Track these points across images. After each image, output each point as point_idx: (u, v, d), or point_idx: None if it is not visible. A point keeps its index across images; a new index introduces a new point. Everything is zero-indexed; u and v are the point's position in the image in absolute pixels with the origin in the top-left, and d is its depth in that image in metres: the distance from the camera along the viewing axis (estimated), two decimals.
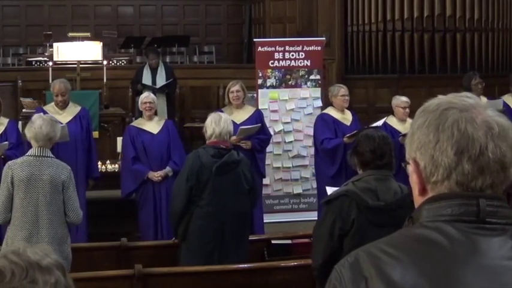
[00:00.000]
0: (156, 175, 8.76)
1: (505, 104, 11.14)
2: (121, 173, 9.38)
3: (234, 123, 8.99)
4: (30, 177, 6.25)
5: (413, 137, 1.95)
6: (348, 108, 9.95)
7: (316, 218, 9.01)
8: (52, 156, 6.40)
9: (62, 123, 8.72)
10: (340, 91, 9.75)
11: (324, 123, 9.63)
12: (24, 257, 1.71)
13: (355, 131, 9.16)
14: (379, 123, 9.32)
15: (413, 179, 1.97)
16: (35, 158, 6.32)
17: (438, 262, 1.81)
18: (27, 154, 6.44)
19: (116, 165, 10.07)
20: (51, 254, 1.76)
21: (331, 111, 9.79)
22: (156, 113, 9.50)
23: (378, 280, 1.81)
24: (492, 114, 1.90)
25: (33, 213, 6.24)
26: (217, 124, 6.92)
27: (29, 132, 6.40)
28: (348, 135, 9.28)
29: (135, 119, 13.30)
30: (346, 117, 9.77)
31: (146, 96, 9.21)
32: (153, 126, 9.09)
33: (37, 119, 6.51)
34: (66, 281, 1.74)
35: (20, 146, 8.32)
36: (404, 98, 9.78)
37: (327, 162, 9.55)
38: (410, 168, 1.98)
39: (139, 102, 9.26)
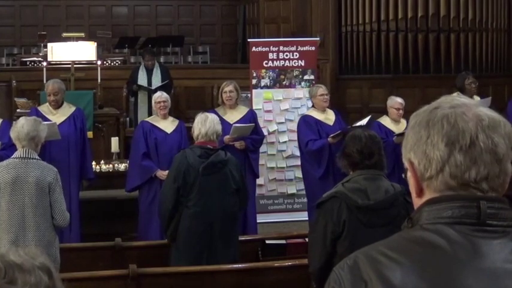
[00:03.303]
0: (164, 174, 8.64)
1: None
2: (128, 167, 9.32)
3: (227, 123, 9.02)
4: (16, 179, 6.19)
5: (407, 139, 1.94)
6: (330, 108, 9.85)
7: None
8: (38, 158, 6.33)
9: (53, 122, 8.72)
10: (319, 91, 9.61)
11: (306, 125, 9.48)
12: (6, 258, 1.71)
13: (339, 131, 9.13)
14: (363, 122, 9.25)
15: (411, 182, 1.96)
16: (20, 160, 6.25)
17: (439, 265, 1.79)
18: (12, 156, 6.36)
19: (110, 165, 10.05)
20: (38, 257, 1.75)
21: (312, 112, 9.66)
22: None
23: (378, 284, 1.79)
24: (483, 109, 1.90)
25: (19, 216, 6.18)
26: (203, 124, 6.90)
27: (13, 133, 6.37)
28: (332, 135, 9.22)
29: (129, 119, 13.35)
30: (329, 117, 9.64)
31: (159, 96, 9.14)
32: (167, 126, 9.05)
33: (21, 119, 6.48)
34: (52, 283, 1.73)
35: (13, 146, 8.28)
36: (399, 100, 9.75)
37: (314, 164, 9.42)
38: (408, 172, 1.97)
39: (153, 102, 9.20)
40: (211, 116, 7.10)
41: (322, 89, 9.66)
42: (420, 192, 1.94)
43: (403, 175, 2.03)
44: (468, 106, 1.90)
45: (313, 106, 9.76)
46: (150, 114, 12.35)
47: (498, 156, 1.86)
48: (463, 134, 1.85)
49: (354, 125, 9.31)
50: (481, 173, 1.85)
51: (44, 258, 1.76)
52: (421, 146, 1.89)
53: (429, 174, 1.89)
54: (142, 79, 13.00)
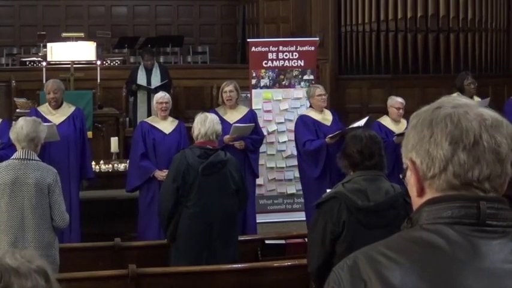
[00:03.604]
0: (162, 174, 8.58)
1: None
2: (128, 168, 9.33)
3: (227, 123, 9.01)
4: (15, 180, 6.17)
5: (408, 138, 1.94)
6: (328, 108, 9.84)
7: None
8: (37, 159, 6.31)
9: (52, 123, 8.71)
10: (316, 91, 9.59)
11: (304, 125, 9.48)
12: (2, 262, 1.69)
13: (338, 132, 9.13)
14: (361, 122, 9.24)
15: (411, 181, 1.95)
16: (19, 161, 6.23)
17: (438, 266, 1.79)
18: (12, 157, 6.35)
19: (110, 165, 10.06)
20: (35, 260, 1.74)
21: (310, 112, 9.66)
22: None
23: (377, 284, 1.79)
24: (485, 109, 1.90)
25: (18, 217, 6.16)
26: (202, 124, 6.90)
27: (12, 134, 6.36)
28: (330, 135, 9.21)
29: (129, 119, 13.35)
30: (326, 118, 9.63)
31: (162, 97, 9.12)
32: (166, 126, 9.04)
33: (20, 120, 6.46)
34: (49, 287, 1.72)
35: (12, 146, 8.28)
36: (399, 99, 9.75)
37: (311, 164, 9.40)
38: (408, 171, 1.96)
39: (154, 102, 9.19)
40: (211, 116, 7.09)
41: (319, 89, 9.64)
42: (421, 192, 1.93)
43: (400, 175, 2.02)
44: (470, 106, 1.90)
45: (310, 106, 9.75)
46: (149, 114, 12.36)
47: (500, 156, 1.86)
48: (467, 133, 1.85)
49: (351, 126, 9.28)
50: (483, 172, 1.86)
51: (41, 262, 1.75)
52: (424, 145, 1.89)
53: (432, 173, 1.89)
54: (141, 79, 13.00)
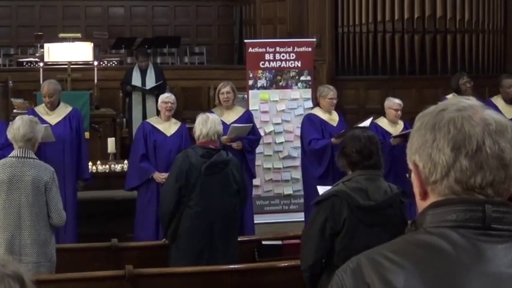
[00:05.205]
0: (161, 176, 8.59)
1: (494, 106, 11.08)
2: (128, 167, 9.35)
3: (224, 123, 9.01)
4: (12, 178, 6.20)
5: (412, 140, 1.92)
6: (334, 109, 9.87)
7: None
8: (35, 157, 6.34)
9: (48, 124, 8.71)
10: (329, 94, 9.63)
11: (311, 123, 9.54)
12: None
13: (343, 131, 9.15)
14: (366, 123, 9.25)
15: (415, 184, 1.93)
16: (17, 160, 6.26)
17: (442, 269, 1.77)
18: (9, 155, 6.39)
19: (107, 166, 10.05)
20: (10, 264, 1.72)
21: (318, 111, 9.71)
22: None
23: (381, 287, 1.77)
24: (490, 113, 1.87)
25: (15, 215, 6.19)
26: (204, 125, 6.93)
27: (9, 134, 6.40)
28: (336, 135, 9.24)
29: (126, 119, 13.34)
30: (333, 118, 9.69)
31: (168, 96, 9.15)
32: (168, 128, 9.03)
33: (17, 120, 6.48)
34: None
35: (9, 146, 8.26)
36: (397, 101, 9.75)
37: (315, 163, 9.47)
38: (412, 174, 1.95)
39: (159, 101, 9.18)
40: (212, 117, 7.13)
41: (332, 93, 9.66)
42: (424, 195, 1.92)
43: (407, 175, 2.01)
44: (475, 109, 1.87)
45: (318, 105, 9.77)
46: (144, 115, 12.41)
47: (504, 162, 1.84)
48: (470, 139, 1.83)
49: (356, 126, 9.28)
50: (486, 178, 1.83)
51: (16, 267, 1.72)
52: (427, 149, 1.87)
53: (434, 178, 1.87)
54: (136, 80, 13.00)
